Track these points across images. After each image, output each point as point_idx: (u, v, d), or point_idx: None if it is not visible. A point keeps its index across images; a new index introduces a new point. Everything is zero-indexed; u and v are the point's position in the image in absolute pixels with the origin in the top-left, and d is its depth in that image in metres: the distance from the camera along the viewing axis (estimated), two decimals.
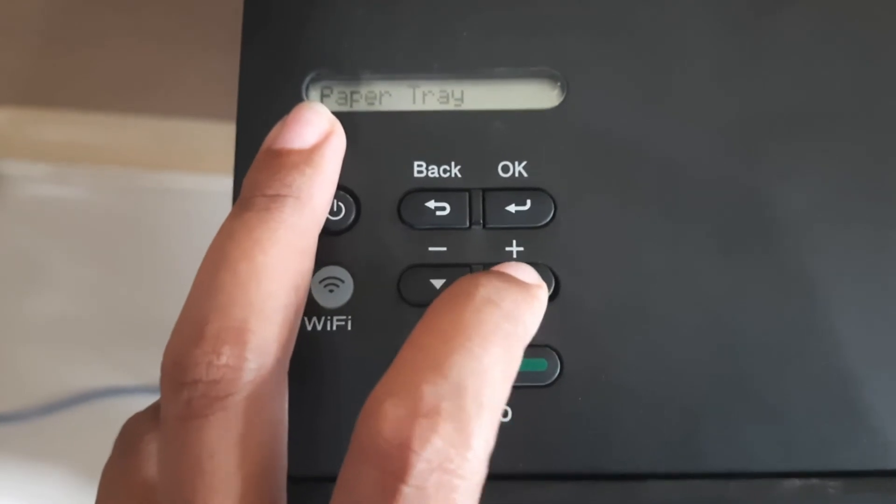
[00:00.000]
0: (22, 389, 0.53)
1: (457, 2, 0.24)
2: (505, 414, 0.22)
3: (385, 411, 0.16)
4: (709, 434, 0.22)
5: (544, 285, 0.21)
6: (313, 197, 0.20)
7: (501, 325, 0.18)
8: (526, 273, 0.21)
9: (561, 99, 0.24)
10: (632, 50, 0.24)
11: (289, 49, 0.24)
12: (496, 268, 0.21)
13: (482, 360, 0.17)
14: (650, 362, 0.22)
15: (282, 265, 0.19)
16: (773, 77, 0.24)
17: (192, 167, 0.53)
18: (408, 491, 0.16)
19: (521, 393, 0.22)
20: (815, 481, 0.22)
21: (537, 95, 0.24)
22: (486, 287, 0.18)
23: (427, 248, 0.23)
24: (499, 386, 0.18)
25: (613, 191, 0.23)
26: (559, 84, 0.24)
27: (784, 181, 0.23)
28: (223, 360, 0.17)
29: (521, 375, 0.22)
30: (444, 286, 0.22)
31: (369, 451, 0.16)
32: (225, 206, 0.22)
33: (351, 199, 0.23)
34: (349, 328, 0.22)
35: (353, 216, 0.23)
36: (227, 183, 0.23)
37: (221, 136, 0.54)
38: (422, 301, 0.22)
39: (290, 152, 0.20)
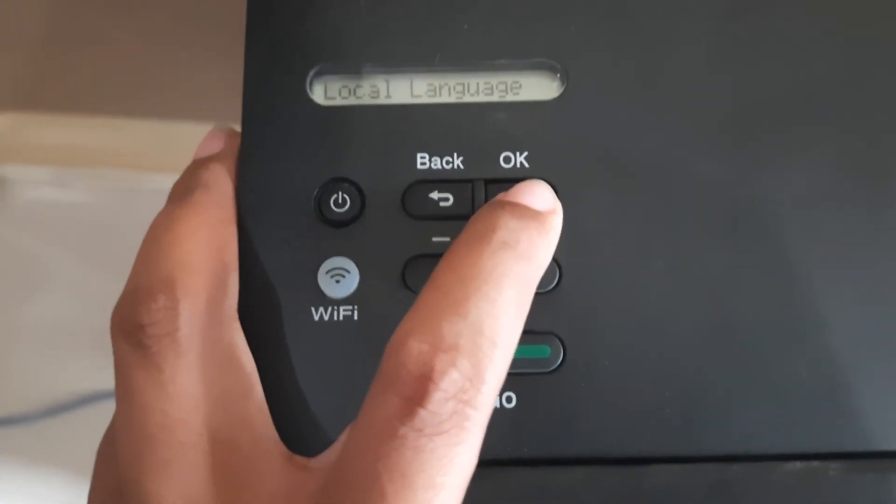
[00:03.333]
0: (24, 392, 0.53)
1: None
2: (509, 400, 0.22)
3: (409, 346, 0.18)
4: (710, 417, 0.22)
5: (558, 208, 0.22)
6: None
7: (515, 268, 0.20)
8: (541, 198, 0.22)
9: (561, 90, 0.24)
10: (630, 41, 0.24)
11: (292, 44, 0.24)
12: (514, 192, 0.22)
13: (497, 302, 0.19)
14: (651, 348, 0.22)
15: (198, 232, 0.22)
16: (772, 66, 0.24)
17: None
18: (424, 414, 0.17)
19: (525, 379, 0.22)
20: (815, 463, 0.22)
21: (538, 87, 0.24)
22: (503, 230, 0.20)
23: (431, 239, 0.23)
24: (512, 325, 0.19)
25: (613, 180, 0.23)
26: (559, 75, 0.24)
27: (781, 170, 0.23)
28: (160, 303, 0.20)
29: (525, 362, 0.22)
30: None
31: (393, 380, 0.18)
32: None
33: (356, 191, 0.23)
34: (355, 318, 0.22)
35: (358, 208, 0.23)
36: None
37: None
38: None
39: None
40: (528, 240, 0.20)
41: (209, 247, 0.22)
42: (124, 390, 0.20)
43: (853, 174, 0.23)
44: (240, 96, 0.24)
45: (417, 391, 0.18)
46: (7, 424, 0.53)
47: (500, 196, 0.21)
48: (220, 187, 0.23)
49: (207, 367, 0.20)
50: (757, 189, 0.23)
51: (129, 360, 0.20)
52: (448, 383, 0.18)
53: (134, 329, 0.20)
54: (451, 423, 0.18)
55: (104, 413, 0.21)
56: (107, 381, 0.21)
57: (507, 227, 0.20)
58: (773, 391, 0.22)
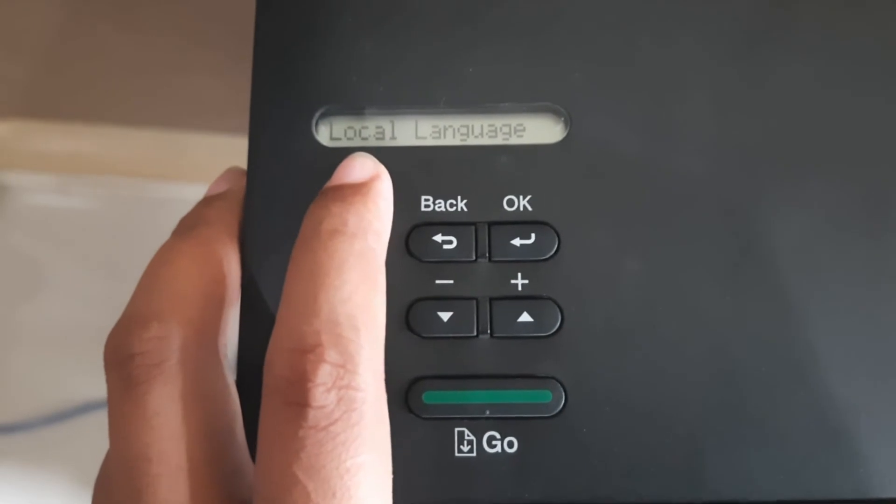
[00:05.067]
0: (24, 399, 0.54)
1: (462, 38, 0.24)
2: (511, 444, 0.22)
3: (280, 359, 0.19)
4: (712, 462, 0.22)
5: (380, 170, 0.22)
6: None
7: (352, 250, 0.20)
8: (360, 169, 0.22)
9: (564, 134, 0.24)
10: (633, 85, 0.24)
11: (298, 85, 0.24)
12: (335, 175, 0.22)
13: (344, 288, 0.20)
14: (654, 392, 0.22)
15: (196, 266, 0.22)
16: (773, 106, 0.24)
17: (194, 178, 0.54)
18: (313, 412, 0.18)
19: (527, 423, 0.22)
20: None
21: (542, 130, 0.24)
22: (329, 218, 0.21)
23: (434, 281, 0.23)
24: (367, 303, 0.20)
25: (616, 224, 0.23)
26: (563, 119, 0.24)
27: (784, 210, 0.23)
28: (152, 332, 0.20)
29: (526, 407, 0.22)
30: (451, 319, 0.23)
31: (275, 393, 0.19)
32: None
33: None
34: None
35: None
36: None
37: (223, 147, 0.54)
38: (431, 333, 0.23)
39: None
40: (355, 218, 0.21)
41: (205, 281, 0.22)
42: (113, 420, 0.20)
43: (856, 218, 0.23)
44: (243, 107, 0.24)
45: (300, 394, 0.18)
46: (6, 432, 0.53)
47: (326, 184, 0.22)
48: (223, 224, 0.23)
49: (193, 401, 0.20)
50: (761, 234, 0.23)
51: (119, 390, 0.20)
52: (323, 377, 0.19)
53: (125, 359, 0.20)
54: (341, 409, 0.18)
55: (104, 421, 0.21)
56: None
57: (332, 213, 0.21)
58: (774, 437, 0.22)
